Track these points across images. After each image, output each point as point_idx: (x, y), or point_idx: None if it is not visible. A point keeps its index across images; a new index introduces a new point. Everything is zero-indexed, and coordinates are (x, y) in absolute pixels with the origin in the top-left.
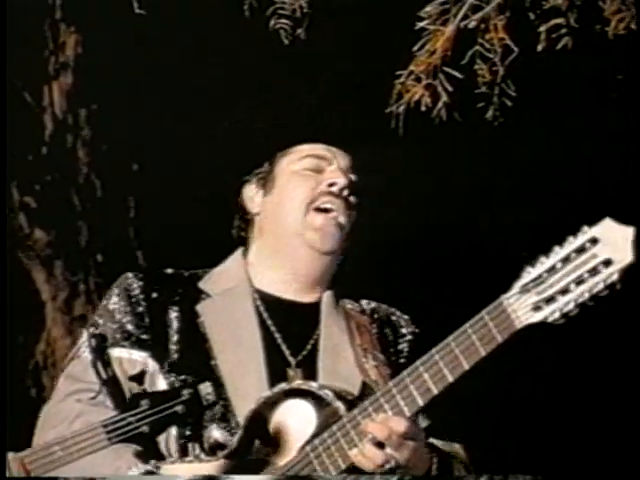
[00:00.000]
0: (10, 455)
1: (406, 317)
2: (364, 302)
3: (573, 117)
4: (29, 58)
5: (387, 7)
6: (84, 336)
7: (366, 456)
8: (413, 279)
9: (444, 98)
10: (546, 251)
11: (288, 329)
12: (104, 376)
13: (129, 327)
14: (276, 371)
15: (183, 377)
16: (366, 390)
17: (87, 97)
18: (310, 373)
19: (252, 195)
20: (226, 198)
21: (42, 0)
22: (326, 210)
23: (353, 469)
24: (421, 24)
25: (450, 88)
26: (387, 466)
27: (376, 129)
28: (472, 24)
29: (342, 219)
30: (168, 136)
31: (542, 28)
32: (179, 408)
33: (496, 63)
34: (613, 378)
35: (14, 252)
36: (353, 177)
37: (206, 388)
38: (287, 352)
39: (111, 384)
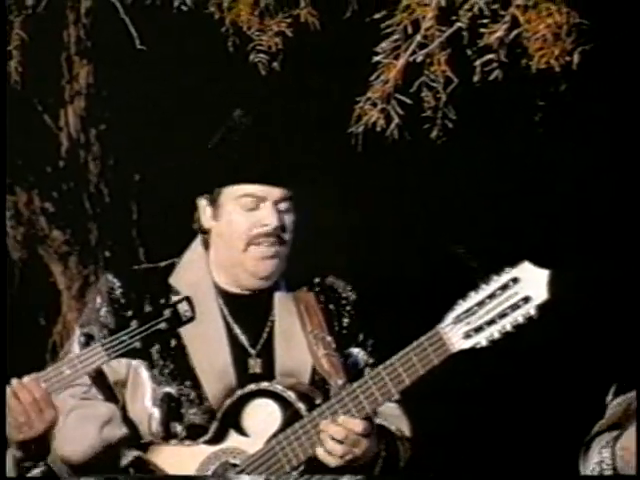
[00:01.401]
0: (25, 378)
1: (344, 284)
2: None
3: (503, 137)
4: (48, 86)
5: (348, 43)
6: (77, 333)
7: (331, 453)
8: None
9: (396, 120)
10: (474, 287)
11: (245, 321)
12: (92, 373)
13: (112, 326)
14: (239, 362)
15: (167, 369)
16: (316, 373)
17: (97, 119)
18: (268, 361)
19: (203, 208)
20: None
21: (59, 38)
22: (261, 244)
23: (310, 463)
24: (377, 58)
25: (401, 112)
26: (347, 457)
27: (338, 149)
28: (419, 58)
29: (276, 250)
30: (164, 151)
31: (477, 62)
32: (162, 325)
33: (439, 91)
34: (533, 390)
35: (35, 249)
36: (284, 207)
37: (184, 306)
38: (247, 344)
39: (99, 380)
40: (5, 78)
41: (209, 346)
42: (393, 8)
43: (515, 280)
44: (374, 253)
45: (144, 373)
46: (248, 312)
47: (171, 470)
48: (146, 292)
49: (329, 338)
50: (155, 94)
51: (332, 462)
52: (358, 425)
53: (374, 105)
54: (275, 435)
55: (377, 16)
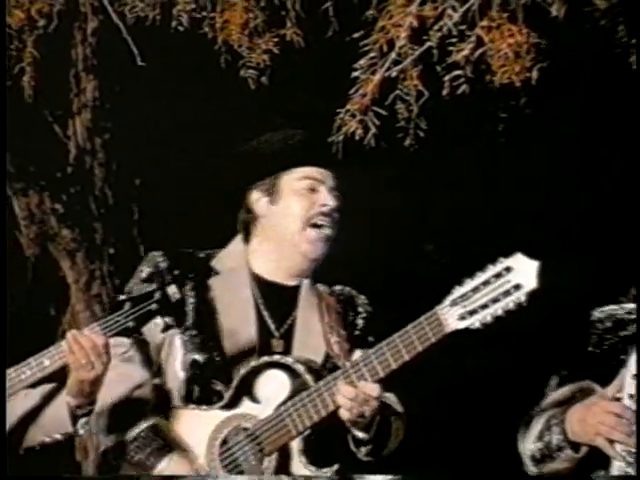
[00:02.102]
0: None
1: (363, 297)
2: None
3: (469, 145)
4: (58, 99)
5: (330, 60)
6: (120, 299)
7: (344, 407)
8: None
9: (373, 130)
10: (470, 274)
11: (273, 307)
12: (133, 340)
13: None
14: (263, 341)
15: (198, 338)
16: (328, 359)
17: (102, 129)
18: (288, 343)
19: (257, 199)
20: (228, 201)
21: (68, 55)
22: (319, 226)
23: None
24: (355, 73)
25: (377, 122)
26: (355, 412)
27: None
28: (394, 74)
29: (329, 232)
30: (163, 159)
31: (446, 78)
32: (153, 306)
33: (412, 104)
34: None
35: (46, 246)
36: (336, 195)
37: (172, 289)
38: (272, 326)
39: (139, 343)
40: (5, 79)
41: (238, 323)
42: (370, 28)
43: (508, 269)
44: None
45: (177, 340)
46: (277, 299)
47: (189, 432)
48: (190, 270)
49: (342, 331)
50: (154, 106)
51: (347, 416)
52: (374, 388)
53: (353, 116)
54: (284, 403)
55: (356, 35)
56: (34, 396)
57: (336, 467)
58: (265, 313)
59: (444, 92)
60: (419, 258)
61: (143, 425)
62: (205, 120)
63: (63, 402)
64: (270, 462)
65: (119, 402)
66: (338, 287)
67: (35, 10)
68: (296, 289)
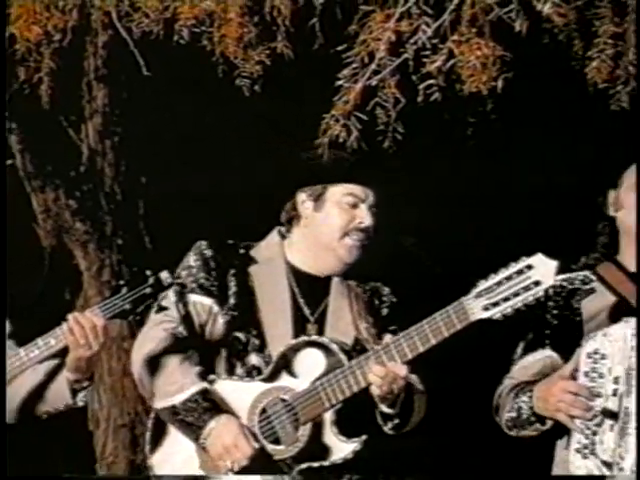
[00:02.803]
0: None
1: (388, 289)
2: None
3: (442, 147)
4: (72, 106)
5: (316, 70)
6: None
7: (374, 372)
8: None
9: (355, 133)
10: (494, 271)
11: (308, 295)
12: (182, 312)
13: (202, 280)
14: (298, 324)
15: (239, 319)
16: (357, 342)
17: (111, 133)
18: (321, 327)
19: (302, 201)
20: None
21: (81, 67)
22: (355, 238)
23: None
24: (339, 82)
25: (359, 126)
26: (385, 389)
27: None
28: (374, 83)
29: (363, 244)
30: (166, 159)
31: (421, 86)
32: (148, 290)
33: (390, 109)
34: None
35: (61, 237)
36: (374, 211)
37: (165, 274)
38: (307, 312)
39: (187, 320)
40: (5, 80)
41: (276, 307)
42: (352, 42)
43: (529, 267)
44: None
45: (220, 319)
46: (310, 288)
47: (232, 400)
48: (232, 258)
49: (370, 318)
50: (159, 112)
51: (378, 392)
52: (402, 368)
53: (337, 121)
54: (319, 378)
55: (339, 48)
56: (39, 372)
57: (364, 438)
58: (300, 300)
59: (419, 99)
60: (438, 257)
61: (193, 389)
62: (204, 124)
63: (64, 377)
64: (304, 431)
65: (171, 370)
66: (368, 285)
67: (52, 26)
68: (328, 280)
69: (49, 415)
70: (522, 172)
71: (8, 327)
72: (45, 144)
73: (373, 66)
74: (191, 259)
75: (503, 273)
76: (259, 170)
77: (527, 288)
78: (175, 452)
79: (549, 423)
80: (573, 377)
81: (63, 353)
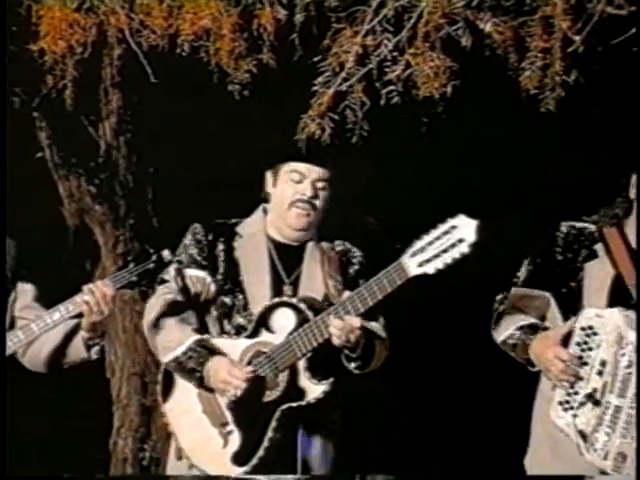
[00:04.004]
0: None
1: (356, 250)
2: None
3: (400, 142)
4: (92, 107)
5: (296, 77)
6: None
7: (334, 335)
8: None
9: (328, 131)
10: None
11: (285, 261)
12: (180, 284)
13: (195, 256)
14: (276, 287)
15: (227, 286)
16: (326, 299)
17: (124, 130)
18: (295, 288)
19: (268, 180)
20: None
21: (99, 75)
22: (298, 208)
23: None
24: (315, 88)
25: (332, 125)
26: (344, 339)
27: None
28: (344, 88)
29: (308, 212)
30: (171, 152)
31: (383, 91)
32: (151, 265)
33: (357, 111)
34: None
35: (83, 218)
36: (320, 185)
37: (166, 252)
38: (284, 275)
39: (184, 289)
40: (5, 80)
41: (257, 274)
42: (326, 54)
43: (454, 227)
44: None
45: (212, 287)
46: (287, 256)
47: (225, 350)
48: (220, 235)
49: (339, 277)
50: (164, 113)
51: (337, 342)
52: (356, 320)
53: (313, 120)
54: (291, 332)
55: (315, 59)
56: (60, 332)
57: (332, 380)
58: (278, 266)
59: (381, 102)
60: (392, 220)
61: (190, 341)
62: (202, 122)
63: (80, 336)
64: (283, 377)
65: (172, 329)
66: (338, 242)
67: (74, 41)
68: (303, 247)
69: (69, 366)
70: (467, 163)
71: (35, 291)
72: (69, 140)
73: (343, 74)
74: (187, 239)
75: (433, 234)
76: (249, 158)
77: (453, 245)
78: (182, 400)
79: (537, 368)
80: (566, 339)
81: (80, 315)
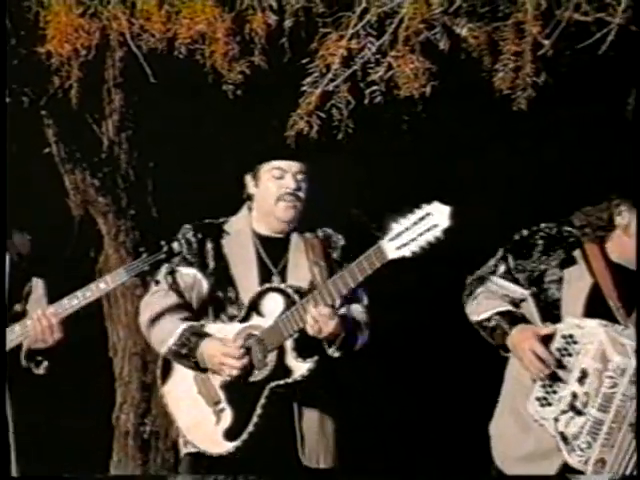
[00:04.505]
0: (48, 308)
1: (338, 235)
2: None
3: (382, 137)
4: (96, 107)
5: (286, 78)
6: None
7: (312, 327)
8: None
9: (315, 127)
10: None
11: (271, 253)
12: (170, 282)
13: (187, 256)
14: (264, 277)
15: (218, 280)
16: (312, 285)
17: (126, 127)
18: (283, 277)
19: (248, 182)
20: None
21: (102, 76)
22: (285, 200)
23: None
24: (303, 88)
25: (319, 122)
26: (316, 329)
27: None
28: (330, 88)
29: (295, 204)
30: (169, 148)
31: (367, 91)
32: (162, 256)
33: (342, 109)
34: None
35: (87, 209)
36: (300, 177)
37: (176, 244)
38: (271, 266)
39: (175, 287)
40: (5, 80)
41: (245, 267)
42: (314, 56)
43: (429, 214)
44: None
45: (204, 283)
46: (273, 247)
47: (219, 335)
48: (208, 234)
49: (323, 263)
50: (163, 111)
51: (311, 332)
52: (326, 310)
53: (302, 118)
54: (279, 315)
55: (304, 61)
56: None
57: (316, 358)
58: (265, 258)
59: (365, 101)
60: (374, 209)
61: (180, 329)
62: (199, 120)
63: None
64: (271, 357)
65: (164, 323)
66: (319, 230)
67: (79, 44)
68: (287, 238)
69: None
70: (444, 158)
71: (44, 287)
72: (74, 136)
73: (330, 75)
74: (176, 243)
75: (409, 219)
76: (242, 154)
77: (428, 230)
78: (179, 383)
79: (510, 354)
80: (546, 341)
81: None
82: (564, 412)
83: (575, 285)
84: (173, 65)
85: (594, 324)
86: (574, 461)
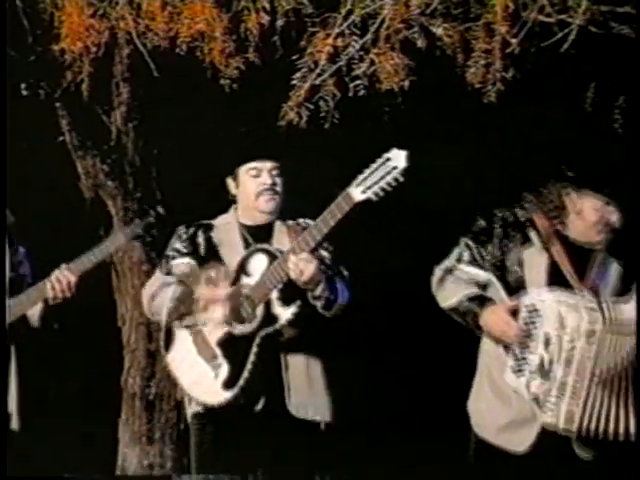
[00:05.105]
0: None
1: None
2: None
3: (365, 126)
4: (105, 99)
5: (277, 73)
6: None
7: (294, 272)
8: None
9: (304, 118)
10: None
11: (256, 238)
12: (166, 271)
13: (180, 248)
14: None
15: (211, 264)
16: None
17: (132, 118)
18: None
19: (230, 184)
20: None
21: (111, 71)
22: (264, 195)
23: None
24: (293, 82)
25: (307, 113)
26: (296, 274)
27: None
28: (318, 82)
29: (273, 197)
30: (171, 137)
31: (351, 85)
32: (151, 219)
33: (329, 101)
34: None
35: (97, 192)
36: (275, 173)
37: (160, 208)
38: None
39: (170, 273)
40: (5, 79)
41: (233, 249)
42: (303, 53)
43: (388, 159)
44: None
45: (198, 269)
46: (259, 233)
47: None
48: (199, 229)
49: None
50: (166, 102)
51: (293, 276)
52: (304, 254)
53: (292, 109)
54: (264, 272)
55: (294, 57)
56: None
57: (299, 303)
58: (251, 240)
59: (350, 94)
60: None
61: (175, 292)
62: (198, 111)
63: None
64: (259, 310)
65: (162, 297)
66: (302, 220)
67: (90, 42)
68: (271, 225)
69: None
70: (421, 145)
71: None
72: (85, 126)
73: (317, 70)
74: (173, 240)
75: (372, 167)
76: (237, 142)
77: (389, 172)
78: (180, 349)
79: (484, 334)
80: (514, 312)
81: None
82: (534, 377)
83: (535, 263)
84: (175, 61)
85: (553, 294)
86: (547, 419)
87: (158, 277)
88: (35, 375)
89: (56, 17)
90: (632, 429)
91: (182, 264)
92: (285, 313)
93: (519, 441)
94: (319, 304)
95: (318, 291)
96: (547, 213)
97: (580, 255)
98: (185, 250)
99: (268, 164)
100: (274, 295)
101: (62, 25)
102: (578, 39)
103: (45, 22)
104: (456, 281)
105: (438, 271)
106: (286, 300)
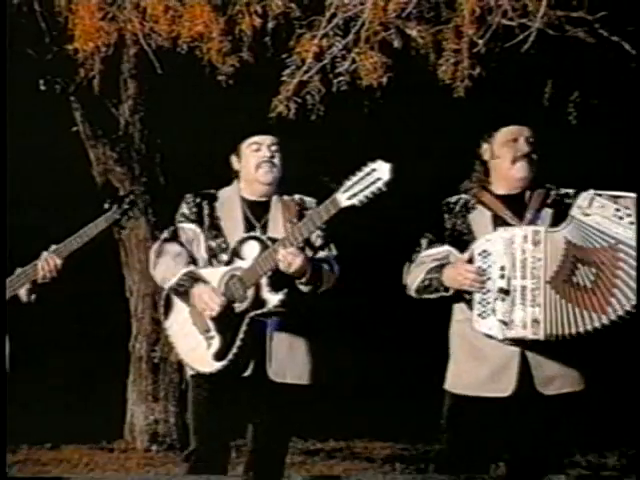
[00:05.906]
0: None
1: (311, 199)
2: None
3: (347, 118)
4: (114, 93)
5: (269, 69)
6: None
7: (282, 263)
8: None
9: (292, 110)
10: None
11: (255, 212)
12: (172, 235)
13: (187, 214)
14: (249, 230)
15: (212, 233)
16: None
17: (139, 110)
18: (265, 231)
19: (234, 160)
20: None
21: (119, 68)
22: (263, 167)
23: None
24: (283, 78)
25: (295, 106)
26: (284, 266)
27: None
28: (305, 78)
29: (271, 169)
30: (174, 126)
31: (335, 81)
32: (126, 206)
33: (315, 96)
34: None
35: (108, 176)
36: (274, 148)
37: (133, 195)
38: (255, 222)
39: (177, 238)
40: (5, 77)
41: (234, 223)
42: (292, 52)
43: (374, 170)
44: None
45: (201, 236)
46: (257, 208)
47: (209, 276)
48: (205, 198)
49: (295, 220)
50: (169, 96)
51: (282, 267)
52: (292, 248)
53: (281, 102)
54: (255, 258)
55: (283, 56)
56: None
57: (286, 290)
58: (250, 216)
59: (334, 89)
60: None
61: (180, 273)
62: (197, 103)
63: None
64: (250, 292)
65: (170, 266)
66: (296, 195)
67: (100, 42)
68: (268, 201)
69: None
70: (397, 134)
71: None
72: (97, 117)
73: (304, 68)
74: (182, 206)
75: (358, 175)
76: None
77: (374, 182)
78: (178, 317)
79: (451, 291)
80: (470, 262)
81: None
82: (497, 303)
83: (481, 222)
84: (176, 59)
85: (497, 232)
86: (516, 332)
87: (165, 243)
88: (50, 343)
89: (70, 20)
90: (590, 328)
91: (189, 230)
92: (273, 299)
93: (504, 387)
94: (305, 288)
95: (304, 279)
96: (477, 182)
97: (515, 202)
98: (191, 215)
99: (267, 139)
100: (264, 281)
101: (75, 27)
102: (537, 40)
103: (60, 24)
104: (419, 265)
105: (405, 267)
106: (275, 286)
